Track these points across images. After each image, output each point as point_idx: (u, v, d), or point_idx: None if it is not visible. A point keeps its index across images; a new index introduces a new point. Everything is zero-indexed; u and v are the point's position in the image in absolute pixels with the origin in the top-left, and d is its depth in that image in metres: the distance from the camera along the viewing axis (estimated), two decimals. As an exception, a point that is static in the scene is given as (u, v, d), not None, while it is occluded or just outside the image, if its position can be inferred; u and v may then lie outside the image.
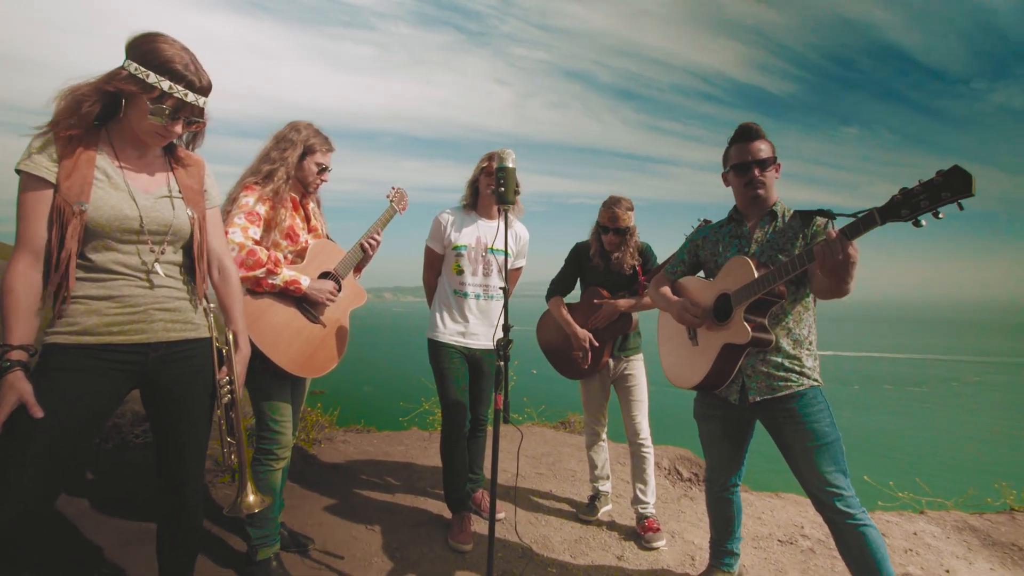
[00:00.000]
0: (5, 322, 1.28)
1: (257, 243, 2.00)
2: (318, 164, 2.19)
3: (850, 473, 1.81)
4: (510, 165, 1.81)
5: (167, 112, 1.38)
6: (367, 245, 2.37)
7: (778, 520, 2.95)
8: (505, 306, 1.88)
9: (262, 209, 2.03)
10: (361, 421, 4.53)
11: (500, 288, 2.65)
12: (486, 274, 2.66)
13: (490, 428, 2.96)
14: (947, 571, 2.47)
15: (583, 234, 2.92)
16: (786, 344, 1.88)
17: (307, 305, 2.13)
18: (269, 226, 2.07)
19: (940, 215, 1.42)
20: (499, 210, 1.88)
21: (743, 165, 1.92)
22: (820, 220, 1.84)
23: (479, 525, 2.70)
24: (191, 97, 1.40)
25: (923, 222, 1.44)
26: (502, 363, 1.80)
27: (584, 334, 2.76)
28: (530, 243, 2.92)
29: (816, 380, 1.87)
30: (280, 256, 2.05)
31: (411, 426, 4.65)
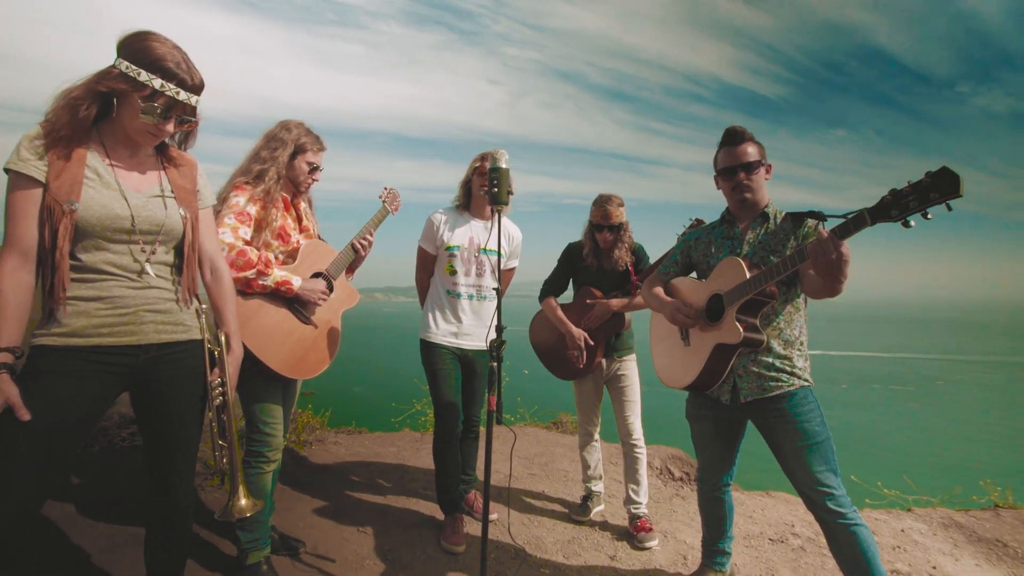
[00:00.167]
0: None
1: (247, 243, 1.97)
2: (309, 163, 2.17)
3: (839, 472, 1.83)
4: (503, 165, 1.81)
5: (159, 111, 1.36)
6: (359, 245, 2.35)
7: (769, 519, 2.98)
8: (498, 307, 1.87)
9: (252, 209, 2.01)
10: (353, 422, 4.51)
11: (493, 289, 2.64)
12: (479, 274, 2.65)
13: (483, 429, 2.96)
14: (934, 567, 2.51)
15: (576, 234, 2.93)
16: (777, 344, 1.89)
17: (298, 306, 2.11)
18: (260, 226, 2.04)
19: (929, 216, 1.44)
20: (492, 211, 1.87)
21: (729, 169, 1.95)
22: (811, 222, 1.86)
23: (472, 526, 2.69)
24: (183, 95, 1.39)
25: (912, 223, 1.46)
26: (495, 364, 1.79)
27: (580, 333, 2.77)
28: (522, 243, 2.92)
29: (807, 380, 1.89)
30: (271, 256, 2.03)
31: (403, 427, 4.63)
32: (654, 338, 2.29)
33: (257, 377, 1.99)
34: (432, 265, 2.72)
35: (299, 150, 2.14)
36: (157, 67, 1.34)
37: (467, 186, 2.68)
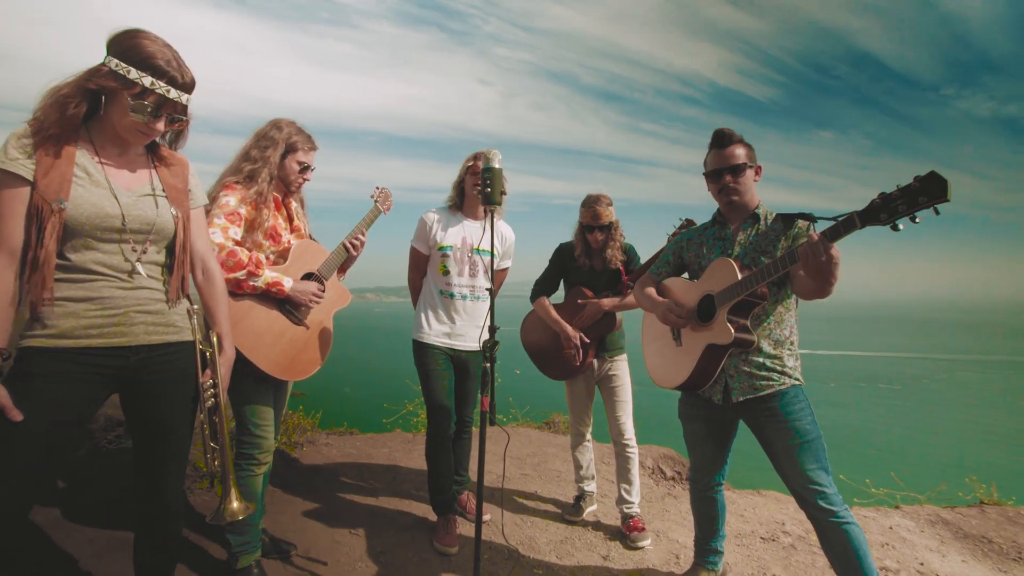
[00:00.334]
0: None
1: (238, 244, 1.95)
2: (300, 163, 2.14)
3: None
4: (496, 166, 1.81)
5: (149, 109, 1.34)
6: (351, 245, 2.34)
7: (760, 517, 3.00)
8: (491, 308, 1.87)
9: (243, 210, 1.99)
10: (344, 423, 4.47)
11: (486, 289, 2.64)
12: (472, 275, 2.65)
13: (475, 429, 2.95)
14: (921, 564, 2.55)
15: (567, 234, 2.94)
16: (767, 344, 1.91)
17: (290, 307, 2.09)
18: (251, 226, 2.02)
19: (917, 220, 1.46)
20: (485, 211, 1.87)
21: (716, 172, 1.97)
22: (802, 223, 1.88)
23: (464, 527, 2.69)
24: (173, 93, 1.37)
25: (901, 226, 1.48)
26: (488, 364, 1.79)
27: (575, 332, 2.77)
28: (514, 243, 2.92)
29: (797, 379, 1.91)
30: (262, 257, 2.00)
31: (395, 428, 4.61)
32: (646, 338, 2.30)
33: (248, 379, 1.97)
34: (425, 265, 2.71)
35: (290, 149, 2.11)
36: (147, 65, 1.32)
37: (460, 186, 2.67)
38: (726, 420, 2.05)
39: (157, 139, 1.49)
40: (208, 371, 1.55)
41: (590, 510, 2.97)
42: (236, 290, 1.92)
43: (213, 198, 1.99)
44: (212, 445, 1.53)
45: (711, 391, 2.00)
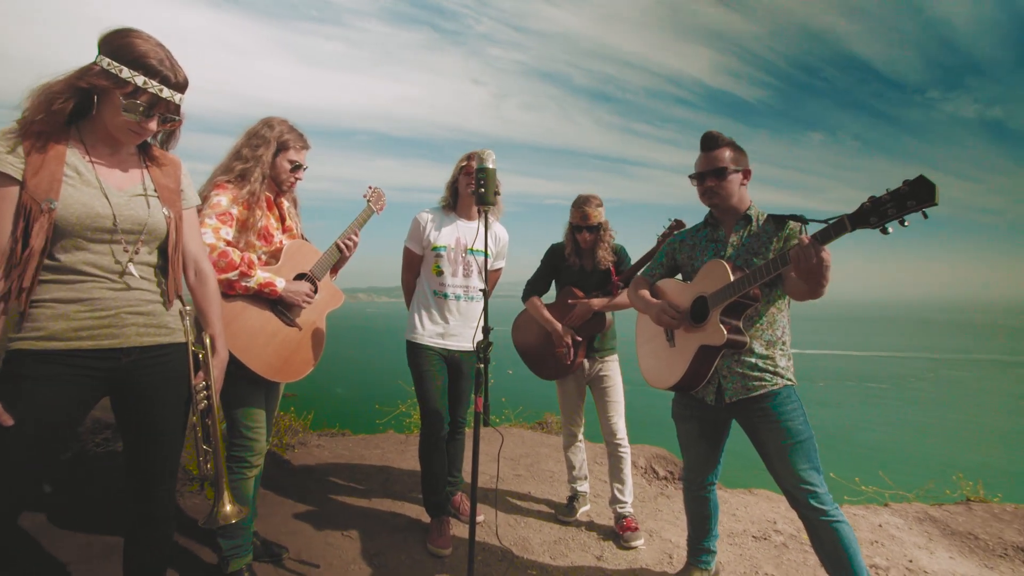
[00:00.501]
0: None
1: (230, 244, 1.93)
2: (291, 161, 2.12)
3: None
4: (490, 166, 1.80)
5: (141, 108, 1.32)
6: (344, 246, 2.31)
7: (752, 516, 3.03)
8: (485, 308, 1.87)
9: (235, 210, 1.97)
10: (336, 424, 4.45)
11: (480, 290, 2.64)
12: (466, 275, 2.64)
13: (469, 430, 2.95)
14: (910, 561, 2.58)
15: (559, 235, 2.94)
16: (760, 345, 1.92)
17: (282, 308, 2.07)
18: (243, 227, 2.00)
19: (906, 223, 1.47)
20: (479, 211, 1.87)
21: (699, 175, 1.99)
22: (793, 224, 1.89)
23: (458, 528, 2.68)
24: (166, 92, 1.35)
25: (890, 229, 1.49)
26: (482, 365, 1.78)
27: (566, 330, 2.78)
28: (507, 244, 2.92)
29: (790, 379, 1.92)
30: (254, 257, 1.99)
31: (387, 429, 4.59)
32: (640, 339, 2.31)
33: (240, 380, 1.94)
34: (418, 265, 2.70)
35: (282, 148, 2.09)
36: (140, 64, 1.30)
37: (454, 186, 2.67)
38: (719, 420, 2.06)
39: (148, 139, 1.47)
40: (201, 373, 1.54)
41: (583, 510, 2.97)
42: (228, 291, 1.90)
43: (204, 198, 1.96)
44: (204, 448, 1.52)
45: (704, 392, 2.01)
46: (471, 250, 2.64)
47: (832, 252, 1.61)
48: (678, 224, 2.57)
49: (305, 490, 3.02)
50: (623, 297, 2.69)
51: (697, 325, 1.97)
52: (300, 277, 2.15)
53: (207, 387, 1.52)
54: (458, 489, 2.89)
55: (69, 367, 1.31)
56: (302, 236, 2.28)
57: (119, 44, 1.30)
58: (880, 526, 2.95)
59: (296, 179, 2.17)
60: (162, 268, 1.50)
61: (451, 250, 2.61)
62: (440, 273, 2.61)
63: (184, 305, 1.56)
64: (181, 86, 1.39)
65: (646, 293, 2.22)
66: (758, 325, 1.93)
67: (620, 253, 2.83)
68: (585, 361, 2.84)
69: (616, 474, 2.79)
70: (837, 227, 1.58)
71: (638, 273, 2.74)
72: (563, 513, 2.93)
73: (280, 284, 2.00)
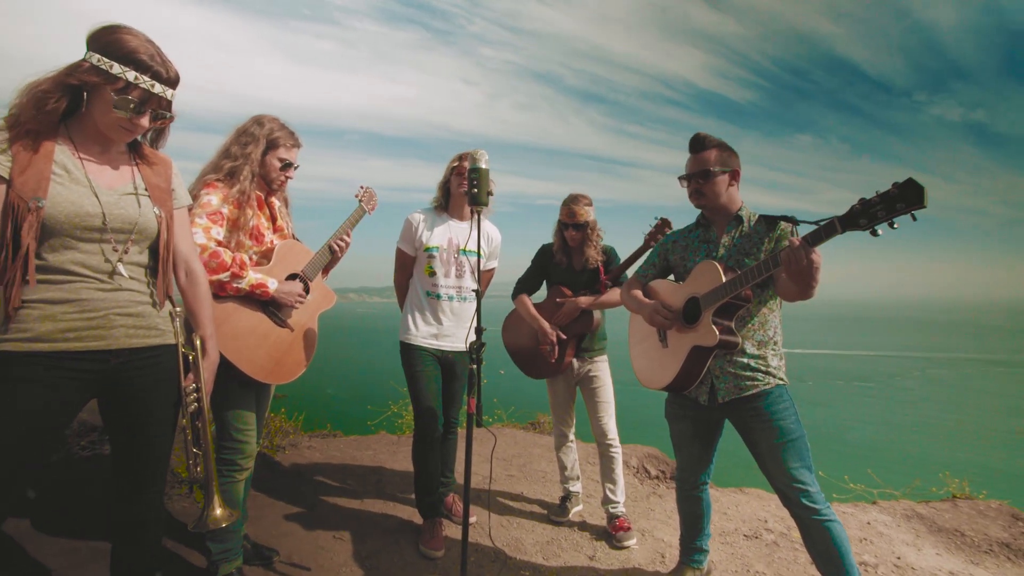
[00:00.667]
0: None
1: (221, 244, 1.90)
2: (281, 160, 2.08)
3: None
4: (483, 166, 1.80)
5: (133, 104, 1.30)
6: (336, 246, 2.30)
7: (743, 515, 3.05)
8: (478, 309, 1.86)
9: (227, 209, 1.94)
10: (327, 425, 4.42)
11: (473, 290, 2.63)
12: (459, 275, 2.64)
13: (461, 430, 2.94)
14: (898, 558, 2.61)
15: (551, 235, 2.95)
16: (752, 345, 1.94)
17: (274, 309, 2.05)
18: (234, 226, 1.97)
19: (895, 225, 1.49)
20: (472, 211, 1.86)
21: (686, 176, 2.01)
22: (784, 225, 1.91)
23: (450, 530, 2.67)
24: (158, 88, 1.33)
25: (880, 231, 1.51)
26: (474, 366, 1.78)
27: (551, 328, 2.79)
28: (500, 244, 2.92)
29: (781, 379, 1.94)
30: (246, 258, 1.96)
31: (379, 430, 4.57)
32: (633, 339, 2.32)
33: (230, 382, 1.92)
34: (411, 266, 2.69)
35: (271, 146, 2.06)
36: (130, 59, 1.28)
37: (445, 187, 2.66)
38: (712, 420, 2.07)
39: (138, 137, 1.45)
40: (191, 375, 1.52)
41: (576, 510, 2.98)
42: (219, 292, 1.88)
43: (194, 196, 1.94)
44: (195, 451, 1.50)
45: (697, 392, 2.02)
46: (463, 251, 2.63)
47: (821, 252, 1.63)
48: (664, 222, 2.59)
49: (296, 492, 3.00)
50: (610, 295, 2.71)
51: (689, 326, 1.98)
52: (292, 278, 2.13)
53: (197, 389, 1.50)
54: (450, 490, 2.88)
55: (56, 369, 1.28)
56: (293, 236, 2.25)
57: (108, 40, 1.28)
58: (869, 523, 2.99)
59: (287, 178, 2.14)
60: (152, 269, 1.48)
61: (443, 251, 2.61)
62: (433, 274, 2.60)
63: (174, 306, 1.54)
64: (173, 81, 1.37)
65: (639, 293, 2.23)
66: (750, 325, 1.95)
67: (609, 253, 2.84)
68: (574, 361, 2.84)
69: (608, 474, 2.80)
70: (827, 229, 1.59)
71: (626, 271, 2.76)
72: (556, 513, 2.93)
73: (272, 285, 1.98)
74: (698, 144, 1.98)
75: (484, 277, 2.81)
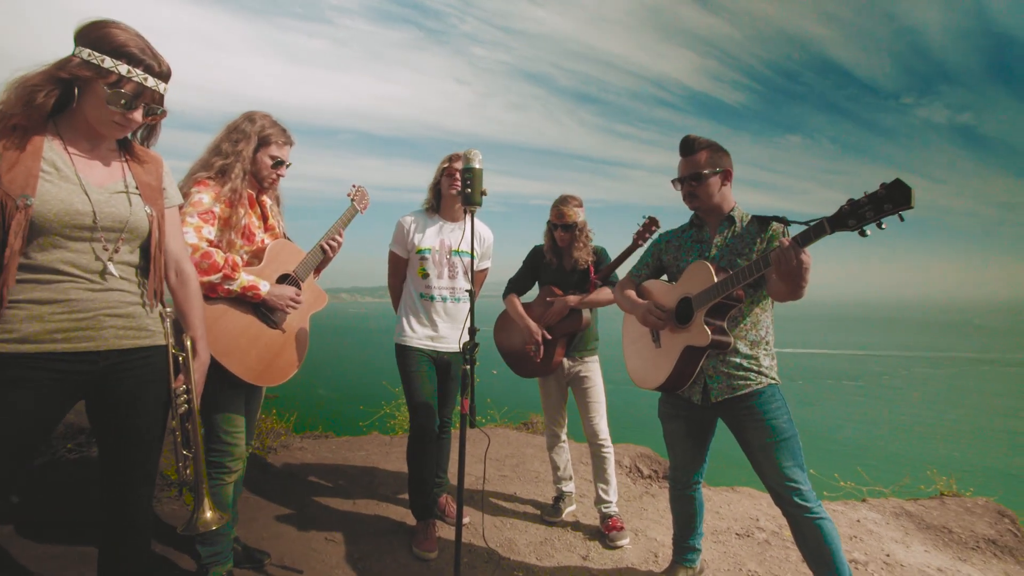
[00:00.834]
0: None
1: (212, 244, 1.87)
2: (273, 157, 2.05)
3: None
4: (477, 166, 1.79)
5: (126, 98, 1.27)
6: (328, 247, 2.27)
7: (735, 514, 3.06)
8: (471, 310, 1.86)
9: (218, 208, 1.91)
10: (319, 426, 4.39)
11: (466, 290, 2.63)
12: (452, 276, 2.63)
13: (454, 431, 2.93)
14: (887, 555, 2.64)
15: (543, 235, 2.96)
16: (744, 345, 1.95)
17: (265, 310, 2.02)
18: (226, 225, 1.94)
19: (883, 226, 1.50)
20: (466, 211, 1.85)
21: (678, 179, 2.03)
22: (776, 225, 1.92)
23: (443, 531, 2.66)
24: (151, 82, 1.31)
25: (868, 232, 1.52)
26: (468, 367, 1.77)
27: (536, 328, 2.79)
28: (492, 244, 2.92)
29: (774, 378, 1.95)
30: (238, 259, 1.93)
31: (371, 431, 4.54)
32: (626, 339, 2.33)
33: (219, 384, 1.90)
34: (404, 269, 2.69)
35: (263, 143, 2.02)
36: (121, 53, 1.26)
37: (436, 188, 2.66)
38: (705, 420, 2.08)
39: (128, 135, 1.43)
40: (181, 376, 1.49)
41: (569, 510, 2.98)
42: (210, 293, 1.85)
43: (185, 195, 1.91)
44: (184, 453, 1.48)
45: (690, 392, 2.03)
46: (456, 251, 2.63)
47: (810, 254, 1.64)
48: (652, 221, 2.60)
49: (287, 494, 2.98)
50: (599, 294, 2.71)
51: (682, 326, 1.99)
52: (283, 278, 2.11)
53: (187, 391, 1.48)
54: (444, 491, 2.87)
55: (42, 371, 1.26)
56: (284, 235, 2.23)
57: (98, 35, 1.26)
58: (858, 521, 3.01)
59: (278, 176, 2.11)
60: (143, 268, 1.45)
61: (436, 252, 2.60)
62: (426, 276, 2.60)
63: (165, 307, 1.51)
64: (165, 75, 1.35)
65: (632, 294, 2.24)
66: (742, 325, 1.96)
67: (600, 254, 2.85)
68: (565, 360, 2.85)
69: (600, 474, 2.80)
70: (817, 230, 1.61)
71: (616, 271, 2.77)
72: (549, 514, 2.93)
73: (264, 288, 1.95)
74: (688, 147, 1.99)
75: (477, 278, 2.80)
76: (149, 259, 1.45)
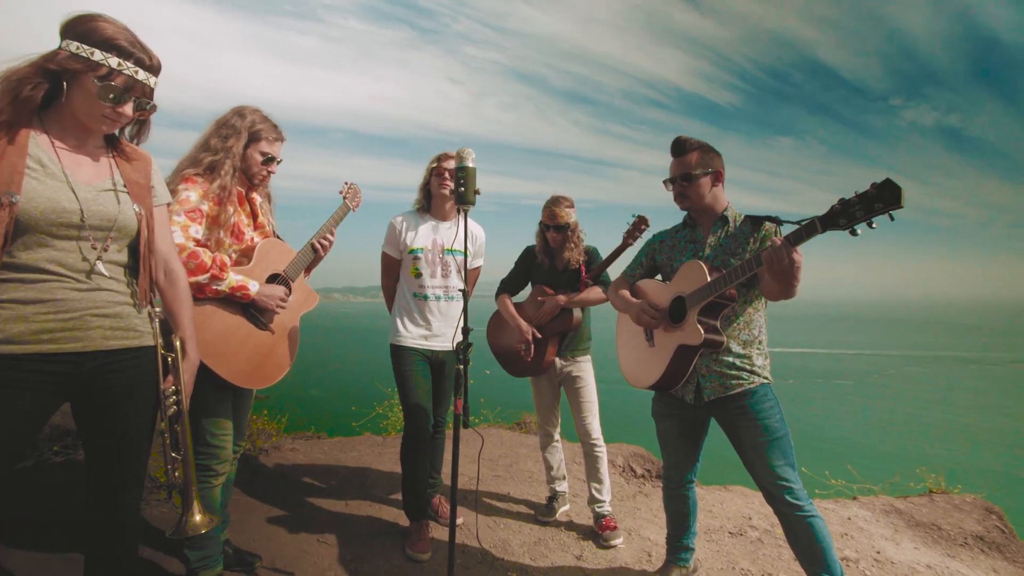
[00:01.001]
0: None
1: (200, 244, 1.84)
2: (263, 153, 2.01)
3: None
4: (470, 165, 1.79)
5: (116, 92, 1.25)
6: (319, 245, 2.24)
7: (728, 513, 3.08)
8: (464, 309, 1.85)
9: (206, 206, 1.88)
10: (311, 427, 4.36)
11: (459, 289, 2.62)
12: (445, 275, 2.63)
13: (449, 431, 2.92)
14: (878, 552, 2.66)
15: (534, 236, 2.96)
16: (737, 345, 1.95)
17: (255, 311, 1.99)
18: (214, 223, 1.90)
19: (874, 225, 1.52)
20: (459, 210, 1.85)
21: (669, 180, 2.03)
22: (769, 225, 1.93)
23: (437, 531, 2.65)
24: (142, 75, 1.29)
25: (859, 231, 1.54)
26: (461, 367, 1.76)
27: (527, 327, 2.79)
28: (484, 242, 2.92)
29: (766, 378, 1.96)
30: (226, 258, 1.90)
31: (364, 431, 4.52)
32: (620, 338, 2.33)
33: (206, 386, 1.86)
34: (397, 269, 2.68)
35: (253, 139, 1.98)
36: (111, 45, 1.24)
37: (426, 188, 2.66)
38: (698, 419, 2.09)
39: (116, 132, 1.40)
40: (170, 377, 1.47)
41: (563, 510, 2.98)
42: (198, 294, 1.81)
43: (171, 191, 1.88)
44: (173, 455, 1.45)
45: (683, 391, 2.03)
46: (449, 250, 2.62)
47: (802, 253, 1.65)
48: (641, 220, 2.61)
49: (279, 495, 2.95)
50: (590, 293, 2.72)
51: (675, 325, 1.99)
52: (273, 278, 2.08)
53: (176, 392, 1.46)
54: (437, 491, 2.86)
55: (26, 372, 1.23)
56: (275, 234, 2.20)
57: (86, 28, 1.23)
58: (849, 519, 3.04)
59: (269, 172, 2.07)
60: (132, 268, 1.42)
61: (428, 252, 2.60)
62: (419, 275, 2.59)
63: (153, 307, 1.49)
64: (155, 69, 1.33)
65: (626, 293, 2.24)
66: (735, 325, 1.96)
67: (592, 254, 2.85)
68: (557, 359, 2.85)
69: (593, 474, 2.80)
70: (808, 229, 1.62)
71: (607, 270, 2.77)
72: (543, 513, 2.92)
73: (254, 288, 1.92)
74: (679, 148, 2.00)
75: (470, 276, 2.80)
76: (138, 258, 1.42)
